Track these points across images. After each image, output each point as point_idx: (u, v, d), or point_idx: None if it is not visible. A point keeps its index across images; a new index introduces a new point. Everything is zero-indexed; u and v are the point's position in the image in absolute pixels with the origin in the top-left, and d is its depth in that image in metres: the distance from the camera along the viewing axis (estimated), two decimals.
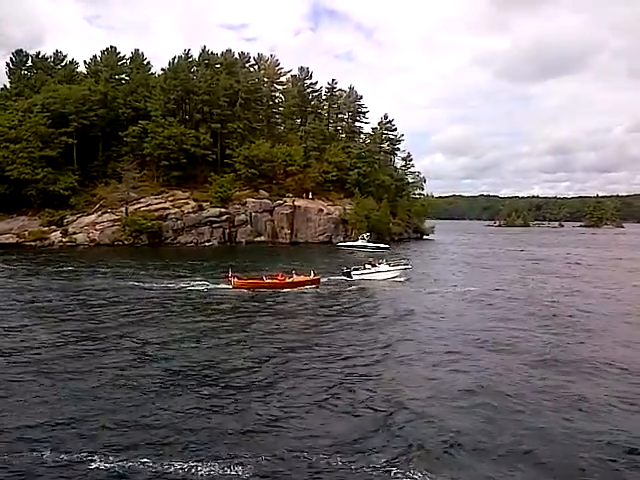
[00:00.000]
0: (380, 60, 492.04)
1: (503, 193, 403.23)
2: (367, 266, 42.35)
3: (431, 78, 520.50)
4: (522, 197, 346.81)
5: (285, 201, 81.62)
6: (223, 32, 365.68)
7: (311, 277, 37.53)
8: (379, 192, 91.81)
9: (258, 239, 77.71)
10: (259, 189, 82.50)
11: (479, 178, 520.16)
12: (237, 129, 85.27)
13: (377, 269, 41.91)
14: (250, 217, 78.42)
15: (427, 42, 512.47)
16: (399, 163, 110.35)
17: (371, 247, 71.85)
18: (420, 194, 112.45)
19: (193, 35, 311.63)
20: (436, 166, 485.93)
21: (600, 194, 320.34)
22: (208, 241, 74.25)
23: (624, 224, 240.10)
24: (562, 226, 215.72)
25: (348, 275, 41.15)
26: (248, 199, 79.61)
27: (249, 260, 55.20)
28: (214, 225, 75.33)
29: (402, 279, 41.64)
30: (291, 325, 25.28)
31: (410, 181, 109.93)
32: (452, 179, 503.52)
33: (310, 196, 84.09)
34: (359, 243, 73.71)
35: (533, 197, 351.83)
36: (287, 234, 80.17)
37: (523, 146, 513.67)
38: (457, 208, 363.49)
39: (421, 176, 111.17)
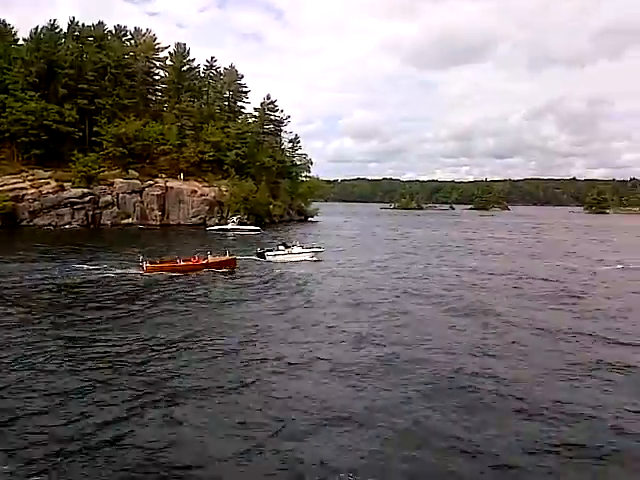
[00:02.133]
0: (289, 42, 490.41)
1: (407, 177, 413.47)
2: (280, 247, 42.76)
3: (341, 62, 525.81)
4: (423, 181, 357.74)
5: (156, 182, 78.59)
6: (124, 5, 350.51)
7: (226, 258, 36.87)
8: (260, 174, 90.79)
9: (125, 221, 74.42)
10: (129, 169, 79.00)
11: (385, 162, 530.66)
12: (106, 105, 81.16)
13: (290, 250, 42.33)
14: (117, 198, 74.94)
15: (337, 25, 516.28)
16: (287, 145, 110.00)
17: (242, 230, 70.80)
18: (307, 176, 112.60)
19: (92, 7, 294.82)
20: (345, 149, 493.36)
21: (496, 178, 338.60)
22: (69, 223, 70.23)
23: (512, 206, 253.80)
24: (453, 209, 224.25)
25: (261, 256, 41.45)
26: (115, 179, 76.00)
27: (112, 243, 53.13)
28: (75, 206, 71.28)
29: (314, 259, 42.26)
30: (200, 310, 24.35)
31: (298, 163, 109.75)
32: (359, 162, 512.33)
33: (182, 177, 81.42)
34: (229, 226, 72.31)
35: (433, 181, 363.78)
36: (157, 216, 77.31)
37: (427, 132, 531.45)
38: (362, 191, 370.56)
39: (308, 158, 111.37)
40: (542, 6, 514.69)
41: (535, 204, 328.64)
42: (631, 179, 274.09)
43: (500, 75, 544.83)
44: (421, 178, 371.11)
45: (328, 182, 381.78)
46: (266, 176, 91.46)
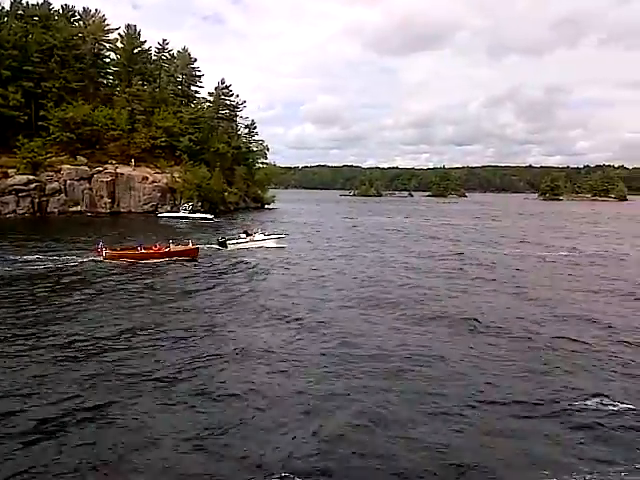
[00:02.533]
0: (250, 26, 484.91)
1: (368, 164, 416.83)
2: (242, 235, 42.54)
3: (302, 47, 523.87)
4: (383, 168, 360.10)
5: (106, 168, 76.05)
6: None
7: (189, 247, 36.37)
8: (215, 160, 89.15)
9: (73, 209, 71.79)
10: (78, 155, 76.23)
11: (346, 149, 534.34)
12: (52, 89, 78.09)
13: (252, 238, 42.00)
14: (65, 185, 72.21)
15: (298, 10, 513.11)
16: (243, 131, 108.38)
17: (194, 217, 69.44)
18: (264, 163, 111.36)
19: None
20: (306, 136, 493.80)
21: (455, 165, 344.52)
22: (14, 212, 67.38)
23: (470, 193, 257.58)
24: (412, 196, 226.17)
25: (223, 245, 40.89)
26: (63, 166, 73.21)
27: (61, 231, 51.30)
28: (21, 194, 68.17)
29: (278, 247, 42.12)
30: (153, 300, 23.56)
31: (254, 149, 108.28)
32: (321, 149, 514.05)
33: (132, 163, 79.13)
34: (180, 214, 70.73)
35: (394, 168, 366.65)
36: (107, 203, 74.83)
37: (388, 118, 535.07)
38: (323, 178, 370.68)
39: (265, 144, 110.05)
40: None
41: (492, 191, 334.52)
42: (585, 166, 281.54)
43: (459, 62, 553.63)
44: (382, 165, 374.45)
45: (289, 169, 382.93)
46: (221, 162, 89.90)
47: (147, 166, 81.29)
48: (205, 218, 69.09)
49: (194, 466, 10.24)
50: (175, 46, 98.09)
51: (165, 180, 79.65)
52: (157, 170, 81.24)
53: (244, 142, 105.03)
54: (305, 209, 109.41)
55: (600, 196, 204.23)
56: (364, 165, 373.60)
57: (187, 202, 75.15)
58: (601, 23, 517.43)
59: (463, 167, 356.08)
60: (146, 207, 77.41)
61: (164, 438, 11.12)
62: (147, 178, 78.39)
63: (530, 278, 30.98)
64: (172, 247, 35.72)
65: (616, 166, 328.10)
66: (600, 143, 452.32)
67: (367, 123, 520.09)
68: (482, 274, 32.20)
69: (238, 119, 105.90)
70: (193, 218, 68.60)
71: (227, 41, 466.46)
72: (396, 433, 11.54)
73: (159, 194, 78.63)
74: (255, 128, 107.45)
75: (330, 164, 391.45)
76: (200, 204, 78.26)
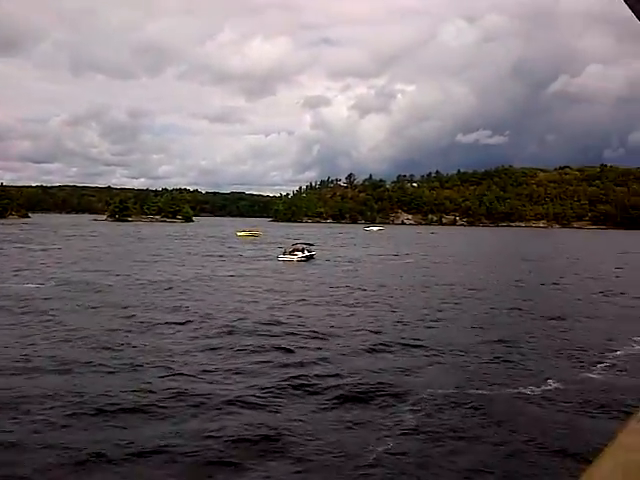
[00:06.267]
0: None
1: None
2: None
3: None
4: None
5: None
6: None
7: None
8: None
9: None
10: None
11: None
12: None
13: None
14: None
15: None
16: None
17: None
18: None
19: None
20: None
21: (33, 184, 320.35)
22: None
23: (41, 214, 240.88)
24: None
25: None
26: None
27: None
28: None
29: None
30: None
31: None
32: None
33: None
34: None
35: None
36: None
37: None
38: None
39: None
40: (89, 10, 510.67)
41: (69, 212, 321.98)
42: (163, 189, 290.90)
43: (39, 74, 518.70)
44: None
45: None
46: None
47: None
48: None
49: None
50: None
51: None
52: None
53: None
54: None
55: (169, 217, 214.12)
56: None
57: None
58: (181, 57, 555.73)
59: (37, 186, 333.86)
60: None
61: None
62: None
63: None
64: None
65: (191, 190, 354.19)
66: (180, 168, 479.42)
67: None
68: None
69: None
70: None
71: None
72: None
73: None
74: None
75: None
76: None
